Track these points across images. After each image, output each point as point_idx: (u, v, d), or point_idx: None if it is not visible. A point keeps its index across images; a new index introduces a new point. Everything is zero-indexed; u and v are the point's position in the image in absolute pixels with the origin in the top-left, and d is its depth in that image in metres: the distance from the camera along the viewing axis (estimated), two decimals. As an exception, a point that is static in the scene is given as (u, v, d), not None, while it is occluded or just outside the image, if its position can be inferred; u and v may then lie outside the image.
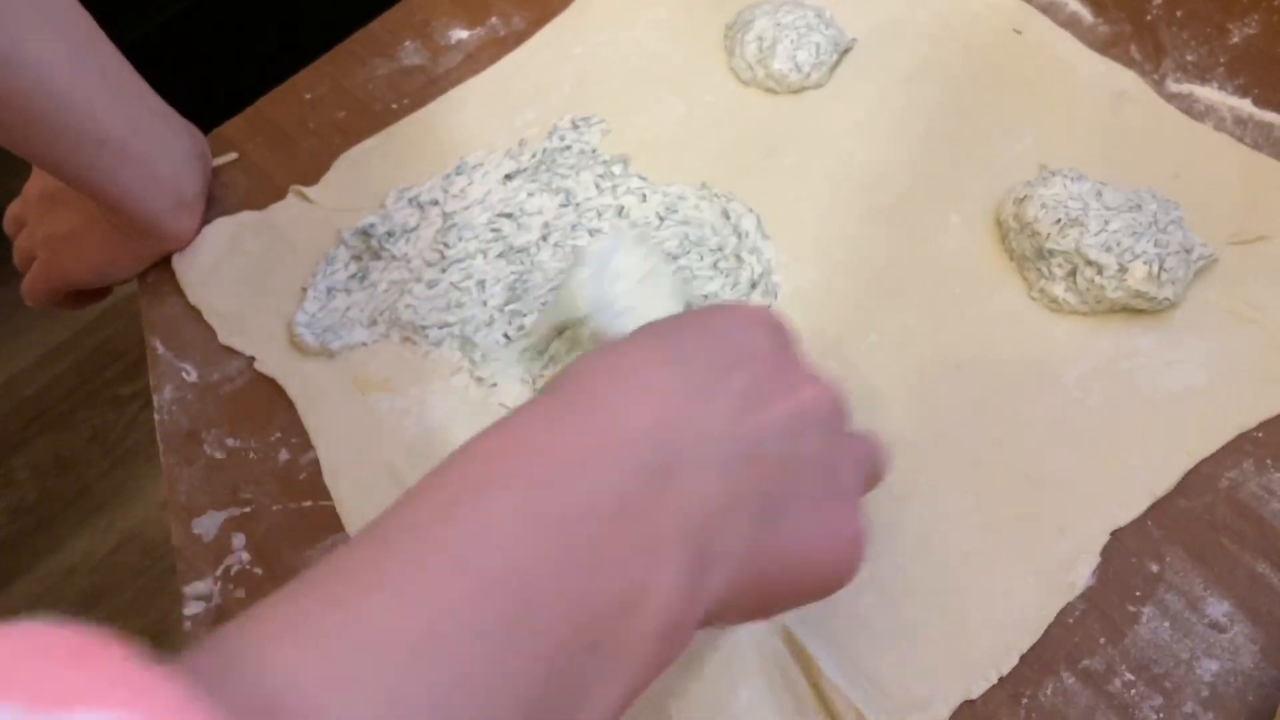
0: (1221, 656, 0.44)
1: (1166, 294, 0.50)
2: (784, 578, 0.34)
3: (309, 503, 0.51)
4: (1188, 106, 0.57)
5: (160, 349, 0.57)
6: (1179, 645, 0.44)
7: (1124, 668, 0.44)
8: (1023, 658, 0.44)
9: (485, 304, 0.55)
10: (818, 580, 0.35)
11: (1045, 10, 0.61)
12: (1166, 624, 0.45)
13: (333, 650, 0.24)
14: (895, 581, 0.46)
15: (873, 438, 0.38)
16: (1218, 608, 0.45)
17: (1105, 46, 0.60)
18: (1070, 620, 0.45)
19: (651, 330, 0.35)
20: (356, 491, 0.51)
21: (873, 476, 0.39)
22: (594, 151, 0.60)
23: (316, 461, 0.52)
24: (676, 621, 0.30)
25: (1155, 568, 0.46)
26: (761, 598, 0.34)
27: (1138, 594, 0.45)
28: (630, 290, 0.49)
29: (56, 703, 0.18)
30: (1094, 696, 0.43)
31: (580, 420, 0.31)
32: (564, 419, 0.31)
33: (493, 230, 0.58)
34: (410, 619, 0.25)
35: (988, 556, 0.47)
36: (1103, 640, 0.45)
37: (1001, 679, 0.44)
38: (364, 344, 0.55)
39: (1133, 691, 0.43)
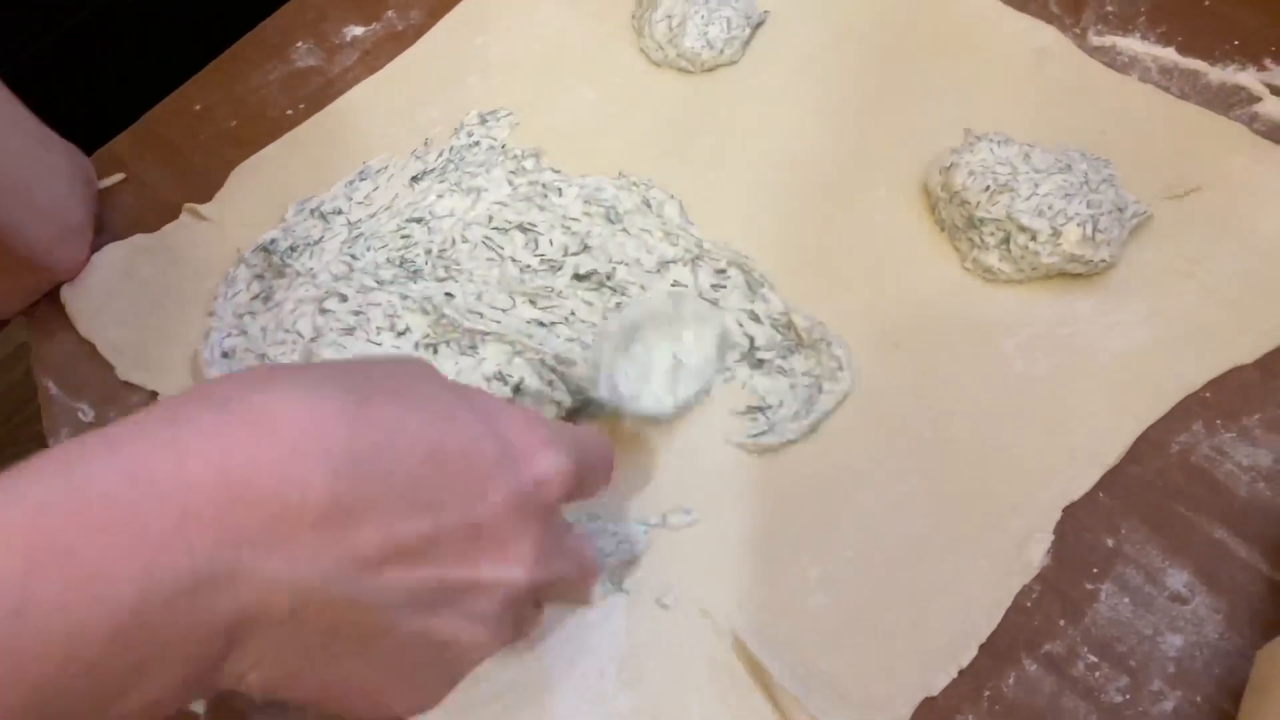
0: (1185, 629, 0.42)
1: (1103, 255, 0.48)
2: (317, 705, 0.31)
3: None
4: (1111, 59, 0.56)
5: (53, 389, 0.53)
6: (1141, 621, 0.43)
7: (1086, 649, 0.42)
8: (982, 647, 0.42)
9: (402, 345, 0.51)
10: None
11: (961, -32, 0.59)
12: (1126, 599, 0.43)
13: None
14: (845, 577, 0.44)
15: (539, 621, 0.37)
16: (1178, 578, 0.43)
17: (1024, 2, 0.58)
18: (1028, 603, 0.43)
19: (371, 403, 0.29)
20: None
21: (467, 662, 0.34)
22: (504, 146, 0.57)
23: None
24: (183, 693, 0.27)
25: (1111, 541, 0.44)
26: (295, 701, 0.31)
27: (1095, 570, 0.44)
28: (656, 380, 0.47)
29: None
30: (1058, 682, 0.42)
31: (140, 506, 0.25)
32: (124, 495, 0.25)
33: (403, 237, 0.55)
34: None
35: (939, 543, 0.45)
36: (1062, 622, 0.43)
37: (962, 671, 0.42)
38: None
39: (1097, 674, 0.42)
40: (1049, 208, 0.48)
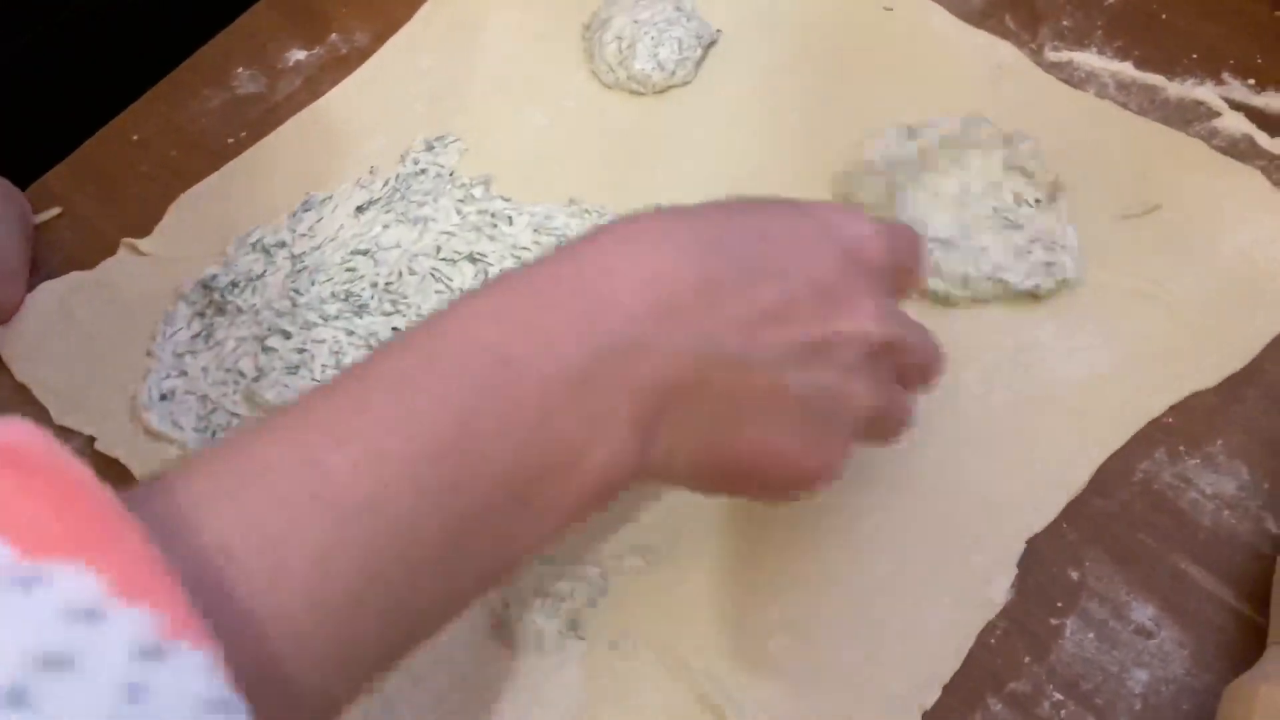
0: (1151, 664, 0.41)
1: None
2: (735, 475, 0.35)
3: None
4: (1068, 75, 0.55)
5: (-13, 436, 0.51)
6: (1106, 657, 0.42)
7: (1052, 687, 0.41)
8: (946, 687, 0.41)
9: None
10: (763, 488, 0.36)
11: (914, -17, 0.58)
12: (1091, 634, 0.42)
13: (284, 500, 0.25)
14: (807, 618, 0.43)
15: (907, 403, 0.39)
16: (1143, 612, 0.42)
17: (980, 18, 0.57)
18: (992, 640, 0.42)
19: (700, 213, 0.34)
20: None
21: (883, 429, 0.38)
22: (452, 174, 0.56)
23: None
24: (612, 483, 0.31)
25: (1075, 575, 0.43)
26: (713, 483, 0.35)
27: (1059, 605, 0.43)
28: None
29: (43, 550, 0.20)
30: (1023, 722, 0.41)
31: (567, 296, 0.31)
32: (553, 291, 0.31)
33: (348, 270, 0.53)
34: (364, 477, 0.26)
35: (901, 579, 0.44)
36: (1027, 659, 0.42)
37: (926, 713, 0.41)
38: (225, 426, 0.50)
39: (1063, 712, 0.41)
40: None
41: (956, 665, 0.42)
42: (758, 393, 0.33)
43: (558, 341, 0.30)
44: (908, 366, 0.38)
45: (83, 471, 0.21)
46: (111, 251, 0.56)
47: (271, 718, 0.23)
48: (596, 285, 0.31)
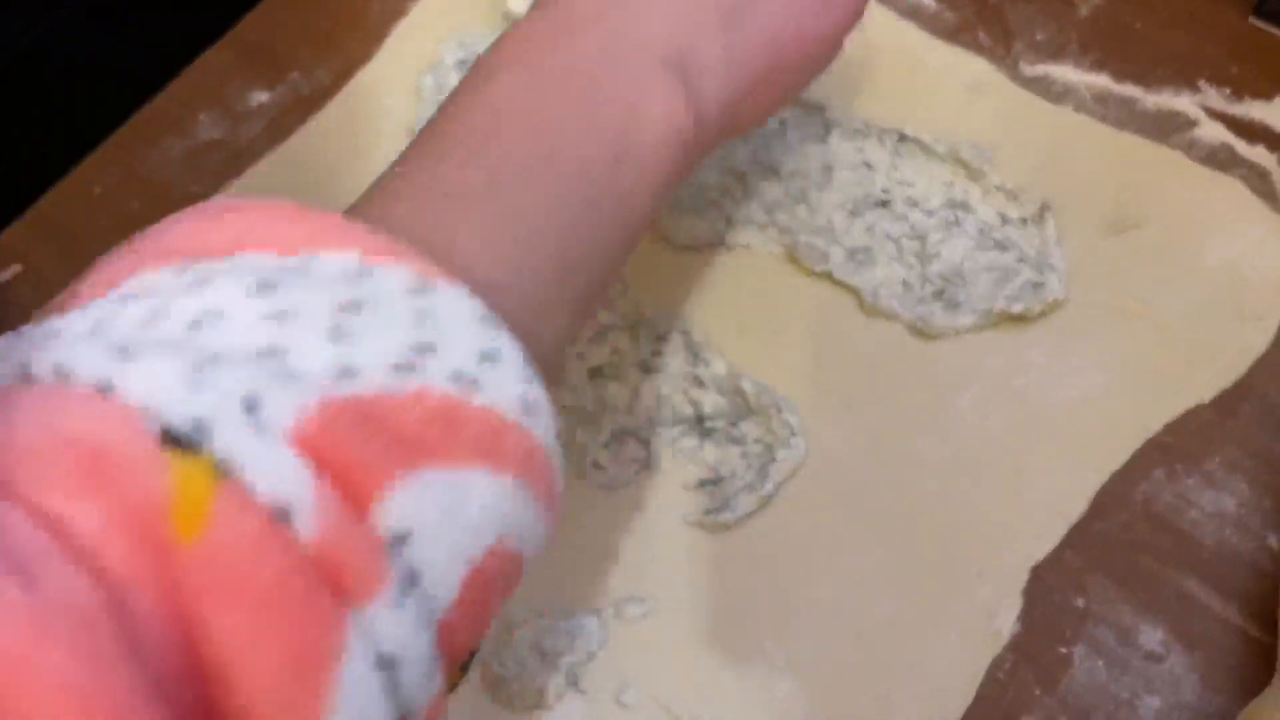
0: (1162, 690, 0.41)
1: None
2: (777, 69, 0.37)
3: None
4: (1045, 89, 0.54)
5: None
6: (1117, 685, 0.41)
7: (1064, 719, 0.41)
8: (957, 726, 0.41)
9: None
10: (810, 64, 0.39)
11: (885, 1, 0.58)
12: (1101, 662, 0.42)
13: (436, 204, 0.30)
14: (813, 661, 0.42)
15: None
16: (1151, 636, 0.42)
17: (952, 34, 0.56)
18: (1000, 675, 0.42)
19: None
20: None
21: None
22: (424, 215, 0.54)
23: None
24: (682, 125, 0.34)
25: (1080, 602, 0.43)
26: (764, 89, 0.37)
27: (1067, 634, 0.42)
28: None
29: (303, 245, 0.25)
30: (1037, 757, 0.40)
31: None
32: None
33: (323, 319, 0.51)
34: (478, 170, 0.31)
35: (906, 617, 0.43)
36: (1038, 691, 0.41)
37: (938, 753, 0.40)
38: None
39: (1076, 745, 0.40)
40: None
41: (967, 703, 0.41)
42: None
43: (559, 41, 0.34)
44: None
45: (296, 204, 0.26)
46: (76, 310, 0.54)
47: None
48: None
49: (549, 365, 0.29)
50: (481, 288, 0.27)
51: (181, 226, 0.26)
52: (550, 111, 0.32)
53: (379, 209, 0.30)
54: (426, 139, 0.33)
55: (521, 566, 0.27)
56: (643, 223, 0.34)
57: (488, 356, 0.25)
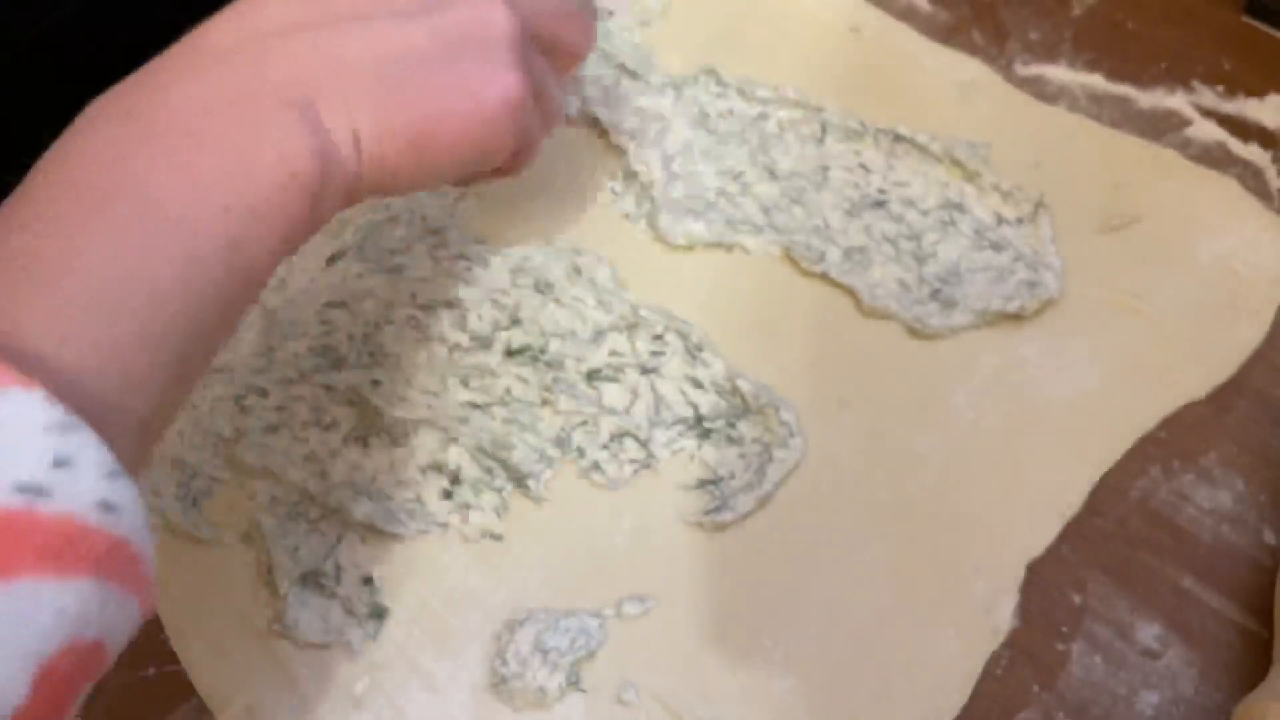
0: (1160, 686, 0.41)
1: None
2: (425, 132, 0.35)
3: (152, 670, 0.45)
4: (1039, 90, 0.54)
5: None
6: (1114, 680, 0.41)
7: (1062, 715, 0.41)
8: (956, 722, 0.41)
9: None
10: (462, 137, 0.36)
11: (880, 3, 0.58)
12: (1098, 658, 0.42)
13: (20, 282, 0.28)
14: (812, 657, 0.43)
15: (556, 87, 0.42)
16: (1148, 631, 0.42)
17: (947, 35, 0.57)
18: (999, 671, 0.42)
19: None
20: (210, 650, 0.45)
21: (563, 41, 0.41)
22: (424, 219, 0.55)
23: (157, 620, 0.46)
24: (303, 171, 0.32)
25: (1078, 598, 0.43)
26: (412, 153, 0.36)
27: (1064, 629, 0.43)
28: None
29: None
30: (1036, 753, 0.40)
31: (188, 46, 0.34)
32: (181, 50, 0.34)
33: (323, 323, 0.52)
34: (58, 239, 0.29)
35: (904, 613, 0.43)
36: (1036, 687, 0.42)
37: (937, 749, 0.41)
38: (205, 491, 0.49)
39: (1075, 741, 0.40)
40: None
41: (965, 698, 0.41)
42: (396, 48, 0.35)
43: (172, 87, 0.33)
44: (543, 34, 0.40)
45: None
46: (78, 315, 0.54)
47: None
48: (194, 42, 0.34)
49: (143, 438, 0.29)
50: (56, 372, 0.26)
51: None
52: (146, 163, 0.31)
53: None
54: (9, 205, 0.30)
55: (106, 651, 0.27)
56: (262, 271, 0.33)
57: (61, 462, 0.24)
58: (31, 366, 0.26)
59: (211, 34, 0.34)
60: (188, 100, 0.32)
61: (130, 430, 0.28)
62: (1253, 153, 0.51)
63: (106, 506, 0.25)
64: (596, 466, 0.47)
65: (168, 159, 0.31)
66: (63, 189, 0.30)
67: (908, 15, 0.57)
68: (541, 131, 0.42)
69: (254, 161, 0.32)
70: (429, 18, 0.36)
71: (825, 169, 0.53)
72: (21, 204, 0.30)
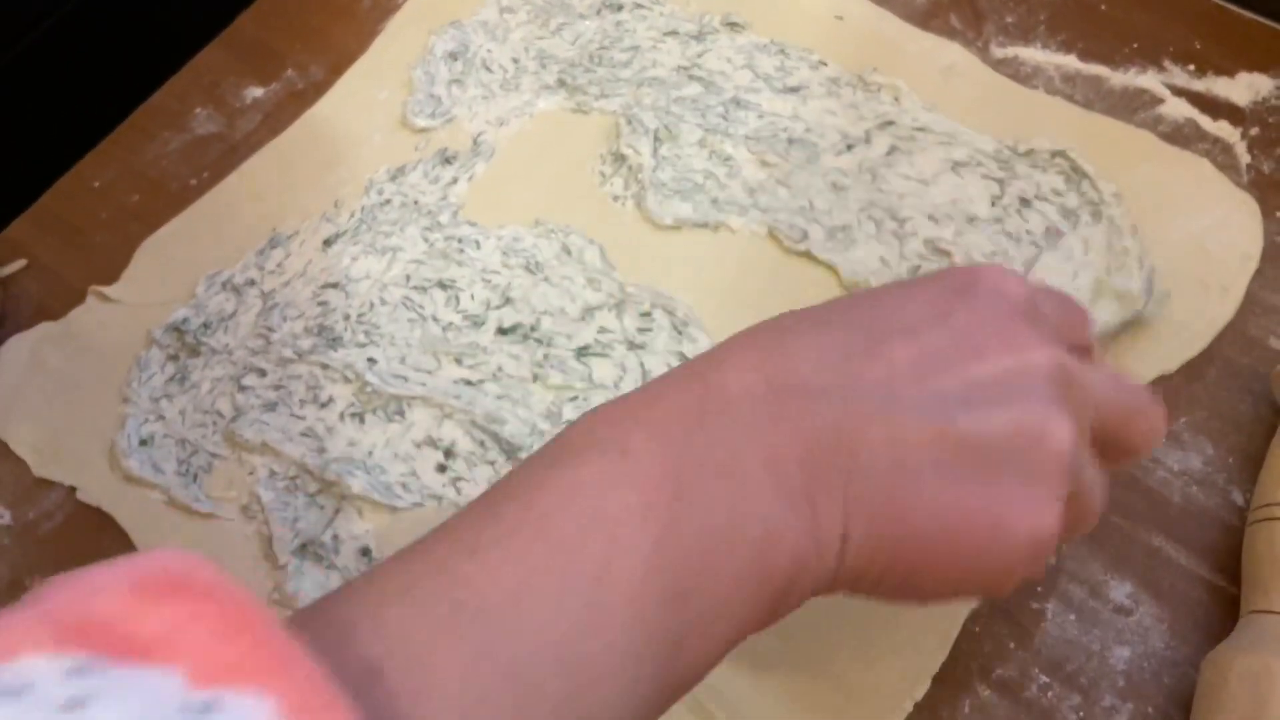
0: (1131, 641, 0.42)
1: None
2: (927, 559, 0.29)
3: (157, 640, 0.46)
4: (1015, 71, 0.56)
5: (-35, 493, 0.51)
6: (1088, 637, 0.43)
7: (1037, 670, 0.42)
8: (935, 678, 0.42)
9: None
10: (965, 570, 0.29)
11: (862, -11, 0.59)
12: (1072, 616, 0.43)
13: (433, 611, 0.25)
14: (791, 617, 0.43)
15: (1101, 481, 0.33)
16: (1120, 590, 0.44)
17: (926, 19, 0.58)
18: (976, 629, 0.43)
19: (812, 308, 0.33)
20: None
21: (1078, 513, 0.32)
22: (416, 203, 0.56)
23: (160, 592, 0.47)
24: (784, 564, 0.28)
25: (1052, 558, 0.44)
26: (898, 571, 0.30)
27: (1039, 589, 0.44)
28: None
29: (212, 678, 0.20)
30: (1012, 706, 0.42)
31: (677, 393, 0.30)
32: (662, 388, 0.30)
33: (319, 304, 0.53)
34: (499, 581, 0.26)
35: (885, 576, 0.44)
36: (1012, 645, 0.43)
37: (917, 705, 0.42)
38: (206, 468, 0.50)
39: (1050, 694, 0.42)
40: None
41: (944, 656, 0.43)
42: (922, 443, 0.29)
43: (695, 425, 0.29)
44: (1107, 430, 0.33)
45: (248, 596, 0.21)
46: (79, 300, 0.56)
47: None
48: (705, 376, 0.30)
49: None
50: None
51: (113, 596, 0.20)
52: (618, 523, 0.27)
53: (372, 602, 0.26)
54: (477, 510, 0.28)
55: None
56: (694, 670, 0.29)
57: None
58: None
59: (730, 377, 0.30)
60: (721, 449, 0.29)
61: None
62: (1223, 129, 0.52)
63: None
64: (586, 439, 0.49)
65: (706, 520, 0.28)
66: (528, 518, 0.27)
67: (888, 0, 0.59)
68: (1061, 539, 0.31)
69: (732, 542, 0.28)
70: (971, 412, 0.29)
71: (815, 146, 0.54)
72: (494, 511, 0.28)
